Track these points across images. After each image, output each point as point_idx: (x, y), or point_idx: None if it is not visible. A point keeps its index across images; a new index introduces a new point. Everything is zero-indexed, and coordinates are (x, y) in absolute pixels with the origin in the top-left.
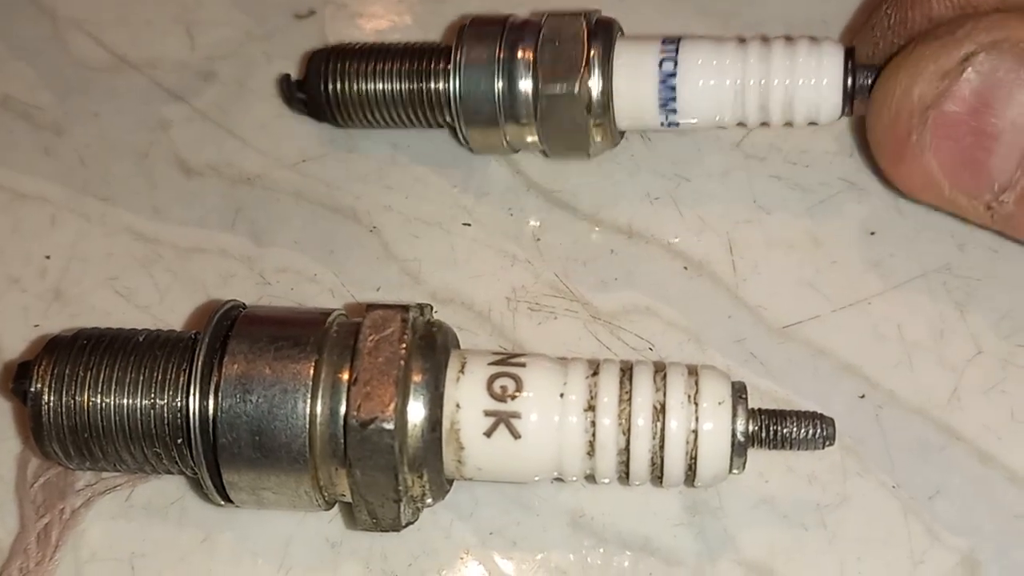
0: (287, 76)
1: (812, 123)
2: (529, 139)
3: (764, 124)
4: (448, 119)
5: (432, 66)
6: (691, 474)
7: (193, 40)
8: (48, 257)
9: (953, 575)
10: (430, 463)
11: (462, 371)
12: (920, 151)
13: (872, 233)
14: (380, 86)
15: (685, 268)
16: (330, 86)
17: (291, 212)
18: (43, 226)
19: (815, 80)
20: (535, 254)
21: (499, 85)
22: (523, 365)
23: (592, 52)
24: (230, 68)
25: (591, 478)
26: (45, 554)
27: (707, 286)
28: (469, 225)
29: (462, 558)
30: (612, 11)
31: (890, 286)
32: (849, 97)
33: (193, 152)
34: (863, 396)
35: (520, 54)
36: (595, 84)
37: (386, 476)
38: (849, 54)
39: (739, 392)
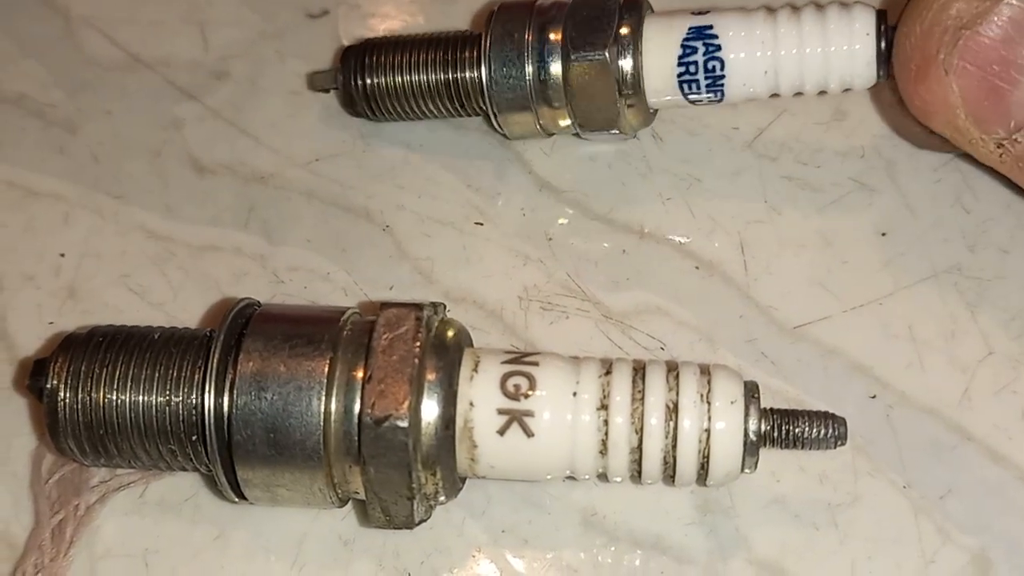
0: (313, 75)
1: (847, 89)
2: (562, 123)
3: (798, 94)
4: (481, 107)
5: (463, 55)
6: (703, 473)
7: (206, 39)
8: (62, 255)
9: (964, 574)
10: (443, 461)
11: (476, 369)
12: (945, 71)
13: (883, 234)
14: (413, 78)
15: (697, 268)
16: (365, 80)
17: (304, 211)
18: (56, 224)
19: (848, 46)
20: (547, 254)
21: (530, 69)
22: (536, 364)
23: (622, 28)
24: (243, 67)
25: (603, 477)
26: (59, 550)
27: (719, 286)
28: (481, 224)
29: (474, 556)
30: None
31: (901, 286)
32: (884, 60)
33: (206, 151)
34: (874, 396)
35: (550, 36)
36: (626, 62)
37: (400, 473)
38: (881, 16)
39: (751, 391)
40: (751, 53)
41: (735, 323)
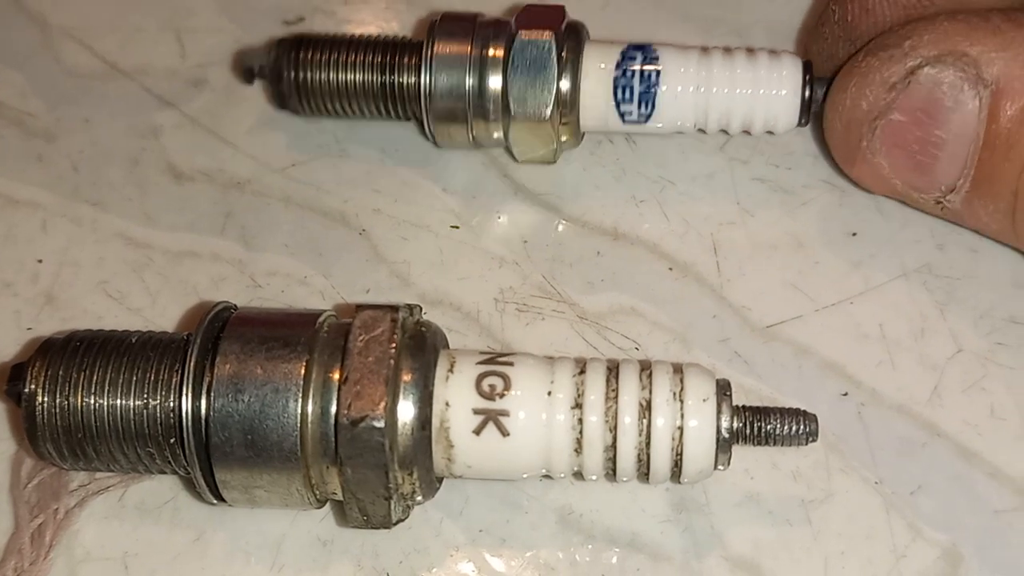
0: (250, 68)
1: (769, 132)
2: (495, 135)
3: (723, 131)
4: (414, 113)
5: (402, 60)
6: (677, 470)
7: (183, 47)
8: (40, 261)
9: (935, 569)
10: (420, 461)
11: (451, 370)
12: (871, 155)
13: (854, 234)
14: (348, 77)
15: (670, 269)
16: (299, 73)
17: (281, 216)
18: (35, 231)
19: (776, 91)
20: (522, 256)
21: (470, 81)
22: (511, 364)
23: (564, 52)
24: (220, 75)
25: (579, 475)
26: (39, 554)
27: (692, 287)
28: (457, 228)
29: (452, 555)
30: (596, 16)
31: (872, 286)
32: (807, 108)
33: (184, 158)
34: (846, 394)
35: (491, 52)
36: (564, 84)
37: (376, 474)
38: (807, 67)
39: (724, 389)
40: (686, 72)
41: (708, 323)
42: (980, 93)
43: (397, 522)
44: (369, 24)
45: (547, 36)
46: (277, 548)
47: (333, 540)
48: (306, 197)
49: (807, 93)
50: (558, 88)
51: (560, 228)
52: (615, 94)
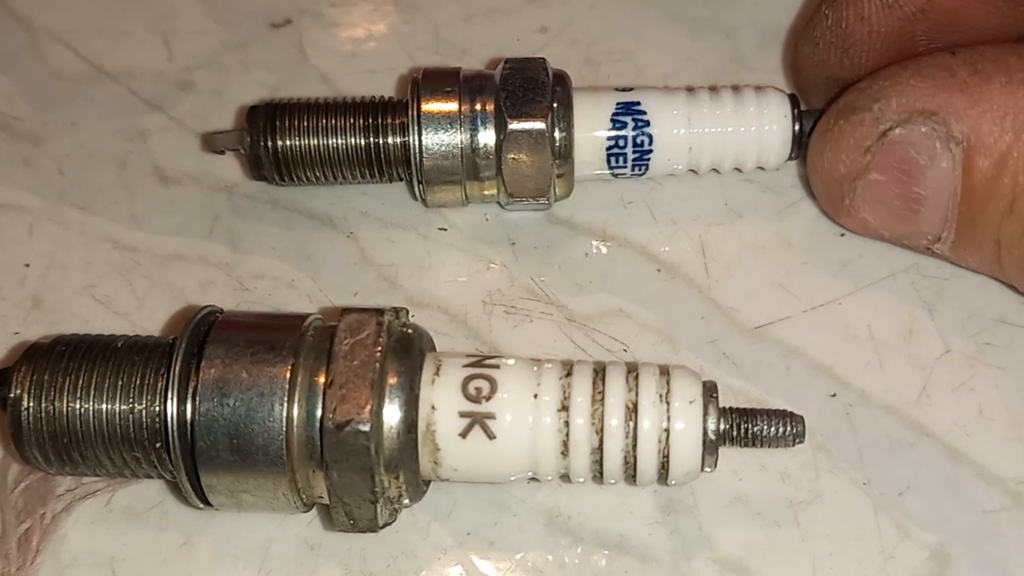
0: (213, 135)
1: (760, 168)
2: (487, 192)
3: (714, 170)
4: (402, 173)
5: (386, 121)
6: (664, 472)
7: (170, 50)
8: (27, 265)
9: (923, 570)
10: (406, 464)
11: (437, 373)
12: (855, 211)
13: (842, 235)
14: (330, 142)
15: (658, 271)
16: (275, 143)
17: (268, 219)
18: (21, 235)
19: (766, 127)
20: (510, 258)
21: (461, 138)
22: (497, 367)
23: (554, 100)
24: (207, 77)
25: (566, 478)
26: (26, 559)
27: (680, 288)
28: (445, 230)
29: (440, 559)
30: (583, 17)
31: (860, 286)
32: (797, 141)
33: (171, 161)
34: (834, 395)
35: (479, 106)
36: (559, 133)
37: (362, 477)
38: (794, 100)
39: (710, 391)
40: (677, 130)
41: (697, 325)
42: (952, 150)
43: (384, 526)
44: (356, 26)
45: (537, 124)
46: (264, 552)
47: (321, 544)
48: (293, 200)
49: (796, 127)
50: (552, 138)
51: (548, 230)
52: (609, 162)
